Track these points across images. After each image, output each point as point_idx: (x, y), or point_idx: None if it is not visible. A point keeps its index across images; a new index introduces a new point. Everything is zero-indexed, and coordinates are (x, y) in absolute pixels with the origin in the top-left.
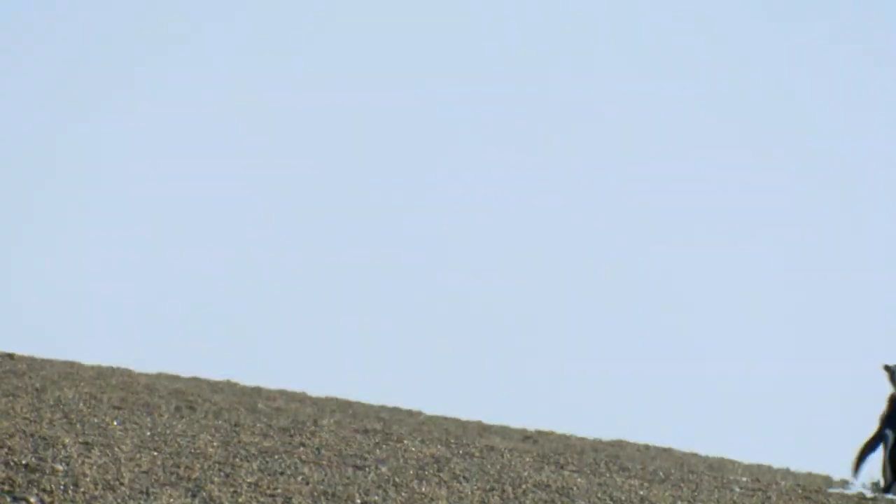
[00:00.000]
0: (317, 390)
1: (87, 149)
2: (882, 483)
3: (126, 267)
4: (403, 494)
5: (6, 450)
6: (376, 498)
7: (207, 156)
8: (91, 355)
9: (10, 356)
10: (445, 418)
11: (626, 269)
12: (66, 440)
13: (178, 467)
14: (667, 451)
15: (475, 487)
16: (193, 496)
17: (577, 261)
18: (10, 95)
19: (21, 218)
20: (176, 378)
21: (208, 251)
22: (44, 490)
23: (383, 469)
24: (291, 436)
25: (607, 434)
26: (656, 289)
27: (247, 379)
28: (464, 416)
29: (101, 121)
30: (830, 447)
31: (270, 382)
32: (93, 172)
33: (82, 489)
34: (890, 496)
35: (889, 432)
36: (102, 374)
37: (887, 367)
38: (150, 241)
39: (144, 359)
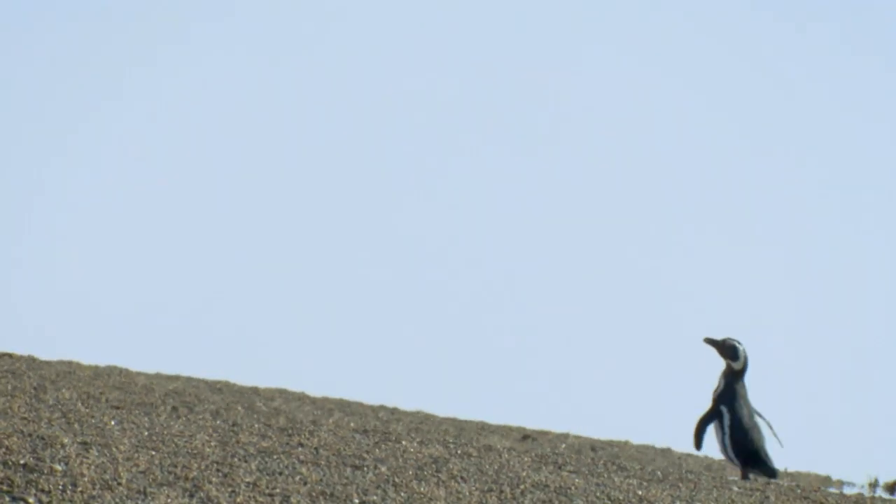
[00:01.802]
0: (315, 390)
1: (85, 148)
2: (739, 471)
3: (124, 267)
4: (402, 494)
5: (4, 450)
6: (375, 498)
7: (205, 156)
8: (89, 355)
9: (9, 356)
10: (444, 418)
11: (626, 268)
12: (65, 440)
13: (176, 467)
14: (665, 452)
15: (473, 487)
16: (191, 496)
17: (577, 260)
18: (10, 95)
19: (20, 217)
20: (174, 378)
21: (206, 251)
22: (42, 490)
23: (382, 469)
24: (290, 436)
25: (606, 434)
26: (655, 288)
27: (245, 379)
28: (462, 416)
29: (100, 120)
30: (829, 447)
31: (268, 382)
32: (91, 172)
33: (80, 489)
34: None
35: (724, 409)
36: (100, 374)
37: (711, 341)
38: (149, 241)
39: (142, 359)
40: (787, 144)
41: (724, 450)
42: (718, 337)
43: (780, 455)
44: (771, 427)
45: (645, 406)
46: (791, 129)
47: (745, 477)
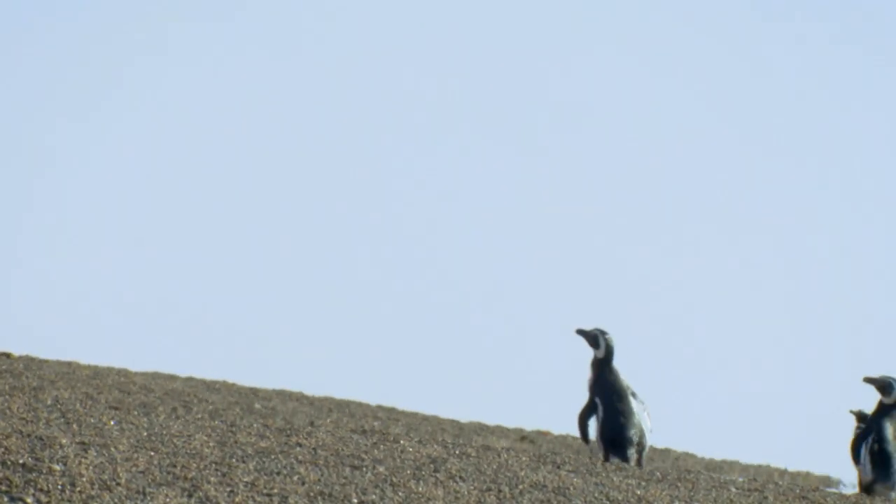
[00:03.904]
0: (313, 390)
1: (84, 149)
2: (601, 456)
3: (123, 267)
4: (400, 494)
5: (3, 449)
6: (373, 497)
7: (204, 156)
8: (88, 355)
9: (7, 356)
10: (442, 418)
11: (625, 268)
12: (63, 440)
13: (175, 467)
14: (664, 452)
15: (472, 487)
16: (190, 496)
17: (576, 260)
18: (11, 95)
19: (19, 218)
20: (172, 378)
21: (205, 251)
22: (41, 490)
23: (380, 469)
24: (288, 436)
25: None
26: (654, 289)
27: (243, 379)
28: (460, 417)
29: (99, 121)
30: (828, 447)
31: (267, 383)
32: (90, 172)
33: (79, 489)
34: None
35: (598, 401)
36: (99, 374)
37: (582, 332)
38: (147, 242)
39: (141, 359)
40: (784, 144)
41: (597, 439)
42: (589, 328)
43: (782, 454)
44: (645, 408)
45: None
46: (788, 128)
47: (606, 459)
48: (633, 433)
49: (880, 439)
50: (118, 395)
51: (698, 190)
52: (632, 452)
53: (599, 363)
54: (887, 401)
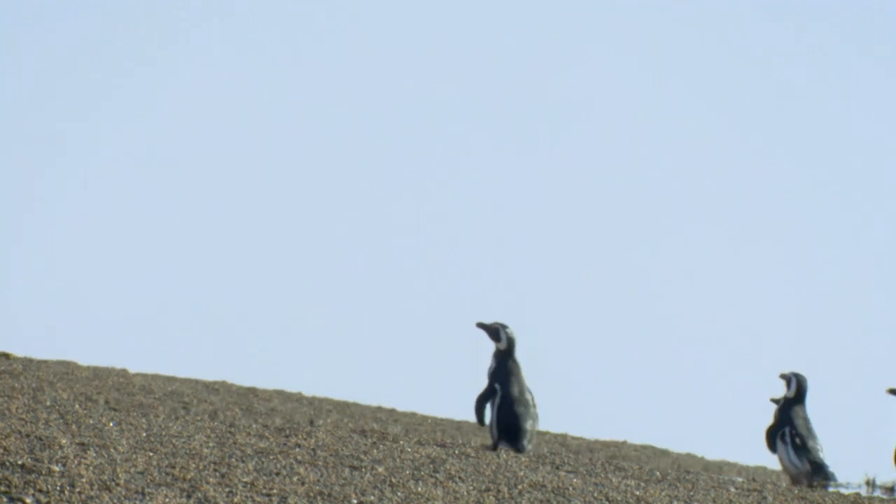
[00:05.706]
0: (313, 391)
1: (83, 149)
2: (491, 440)
3: (122, 267)
4: (399, 494)
5: (2, 450)
6: (372, 498)
7: (203, 155)
8: (87, 356)
9: (6, 356)
10: (441, 419)
11: (625, 268)
12: (62, 441)
13: (174, 468)
14: (664, 452)
15: (471, 488)
16: (189, 496)
17: (575, 260)
18: (10, 95)
19: (17, 218)
20: (171, 379)
21: (205, 251)
22: (40, 490)
23: (379, 469)
24: (287, 436)
25: (604, 435)
26: (654, 289)
27: (242, 380)
28: (459, 417)
29: (98, 121)
30: (826, 447)
31: (266, 383)
32: (89, 172)
33: (78, 489)
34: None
35: (498, 387)
36: (98, 375)
37: (482, 325)
38: (147, 242)
39: (140, 360)
40: (783, 145)
41: (491, 424)
42: (489, 321)
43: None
44: (535, 404)
45: (642, 407)
46: (789, 128)
47: (494, 448)
48: (528, 424)
49: (798, 434)
50: (117, 395)
51: (697, 190)
52: (525, 442)
53: (502, 354)
54: (789, 394)
